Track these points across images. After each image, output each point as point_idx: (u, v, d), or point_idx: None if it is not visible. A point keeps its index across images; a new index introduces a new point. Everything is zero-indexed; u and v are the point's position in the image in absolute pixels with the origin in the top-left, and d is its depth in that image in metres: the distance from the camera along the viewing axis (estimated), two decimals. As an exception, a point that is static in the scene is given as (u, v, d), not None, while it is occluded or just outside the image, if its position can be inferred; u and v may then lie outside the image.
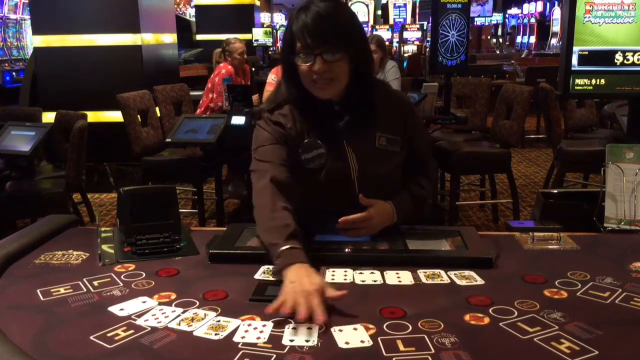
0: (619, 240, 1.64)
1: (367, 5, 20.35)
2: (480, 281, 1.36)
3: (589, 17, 2.54)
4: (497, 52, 18.30)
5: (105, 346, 1.07)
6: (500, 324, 1.15)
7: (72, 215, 2.10)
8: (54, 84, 5.55)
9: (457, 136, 4.96)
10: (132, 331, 1.13)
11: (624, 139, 2.95)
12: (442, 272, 1.41)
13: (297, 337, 1.10)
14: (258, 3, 12.42)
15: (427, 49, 12.23)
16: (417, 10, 20.90)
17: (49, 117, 4.96)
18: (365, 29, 17.29)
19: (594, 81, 2.58)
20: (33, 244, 1.59)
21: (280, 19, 22.87)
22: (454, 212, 4.31)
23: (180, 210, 1.76)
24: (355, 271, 1.41)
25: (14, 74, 9.53)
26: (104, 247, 1.58)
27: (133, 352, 1.06)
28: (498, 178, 4.84)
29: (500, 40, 21.21)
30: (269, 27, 12.72)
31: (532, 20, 20.09)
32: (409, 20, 19.92)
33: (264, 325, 1.13)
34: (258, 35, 11.01)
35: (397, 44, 16.14)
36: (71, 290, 1.33)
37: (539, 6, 19.70)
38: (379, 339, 1.09)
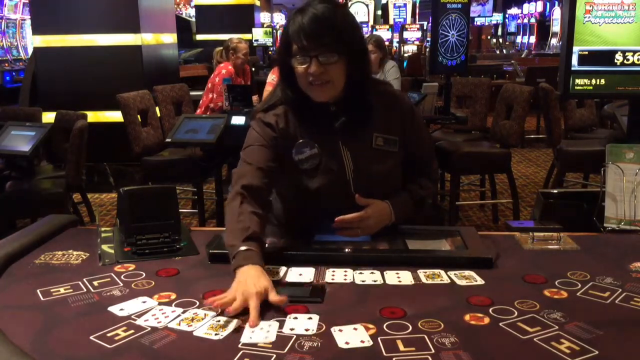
0: (619, 240, 1.64)
1: (367, 5, 20.34)
2: (480, 281, 1.36)
3: (589, 17, 2.54)
4: (497, 52, 18.29)
5: (105, 346, 1.07)
6: (500, 324, 1.15)
7: (72, 215, 2.10)
8: (54, 84, 5.55)
9: (457, 136, 4.96)
10: (132, 331, 1.13)
11: (624, 139, 2.94)
12: (442, 272, 1.41)
13: (297, 326, 1.14)
14: (258, 3, 12.42)
15: (427, 49, 12.23)
16: (417, 10, 20.89)
17: (49, 117, 4.96)
18: (365, 29, 17.30)
19: (594, 81, 2.58)
20: (33, 244, 1.59)
21: (280, 19, 22.86)
22: (454, 212, 4.31)
23: (180, 210, 1.76)
24: (355, 271, 1.41)
25: (14, 74, 9.54)
26: (104, 247, 1.58)
27: (133, 352, 1.06)
28: (498, 178, 4.84)
29: (500, 40, 21.20)
30: (269, 27, 12.72)
31: (532, 20, 20.08)
32: (409, 20, 19.91)
33: (270, 326, 1.13)
34: (258, 35, 11.01)
35: (397, 44, 16.12)
36: (71, 290, 1.33)
37: (539, 6, 19.69)
38: (379, 339, 1.09)
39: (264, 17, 15.78)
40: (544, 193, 2.14)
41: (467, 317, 1.17)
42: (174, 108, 4.87)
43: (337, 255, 1.51)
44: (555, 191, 2.24)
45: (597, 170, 2.09)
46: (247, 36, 9.84)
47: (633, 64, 2.53)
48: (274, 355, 1.03)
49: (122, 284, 1.37)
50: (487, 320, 1.16)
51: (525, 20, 20.74)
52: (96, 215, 1.75)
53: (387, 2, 20.97)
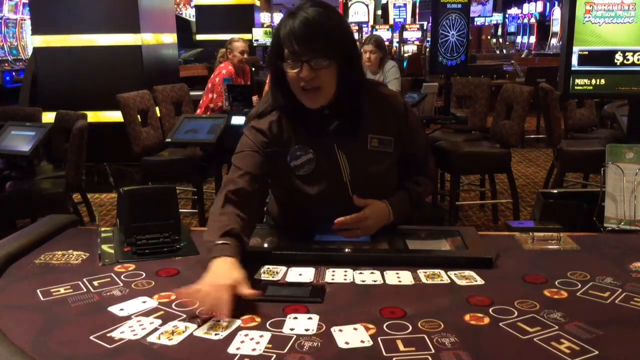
0: (619, 240, 1.64)
1: (367, 5, 20.32)
2: (480, 281, 1.36)
3: (589, 17, 2.54)
4: (497, 52, 18.29)
5: (105, 346, 1.07)
6: (500, 324, 1.15)
7: (72, 215, 2.10)
8: (54, 84, 5.55)
9: (457, 136, 4.96)
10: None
11: (624, 139, 2.95)
12: (442, 272, 1.41)
13: (297, 326, 1.14)
14: (258, 3, 12.41)
15: (427, 49, 12.23)
16: (417, 10, 20.88)
17: (49, 117, 4.96)
18: (365, 29, 17.28)
19: (594, 81, 2.58)
20: (33, 244, 1.59)
21: (280, 19, 22.80)
22: (454, 212, 4.31)
23: (180, 210, 1.76)
24: (355, 271, 1.41)
25: (14, 74, 9.54)
26: (104, 247, 1.58)
27: (133, 352, 1.06)
28: (498, 178, 4.84)
29: (500, 40, 21.20)
30: (269, 27, 12.71)
31: (532, 20, 20.08)
32: (409, 20, 19.91)
33: (261, 336, 1.10)
34: (258, 35, 11.00)
35: (397, 44, 16.12)
36: (71, 290, 1.33)
37: (539, 6, 19.69)
38: (379, 339, 1.09)
39: (264, 17, 15.78)
40: (544, 193, 2.14)
41: (467, 317, 1.17)
42: (174, 108, 4.87)
43: (337, 255, 1.51)
44: (555, 191, 2.24)
45: (597, 170, 2.09)
46: (247, 36, 9.84)
47: (633, 64, 2.53)
48: (274, 355, 1.04)
49: (122, 284, 1.36)
50: (487, 320, 1.17)
51: (525, 20, 20.73)
52: (96, 215, 1.75)
53: (387, 2, 20.96)
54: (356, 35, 15.47)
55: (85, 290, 1.33)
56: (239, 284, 1.23)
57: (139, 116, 4.33)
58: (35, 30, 5.63)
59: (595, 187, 3.04)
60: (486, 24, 22.14)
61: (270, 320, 1.17)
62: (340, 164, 1.60)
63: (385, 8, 21.46)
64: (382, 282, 1.37)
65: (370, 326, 1.13)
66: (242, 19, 11.16)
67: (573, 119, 4.76)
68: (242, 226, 1.44)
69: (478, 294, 1.29)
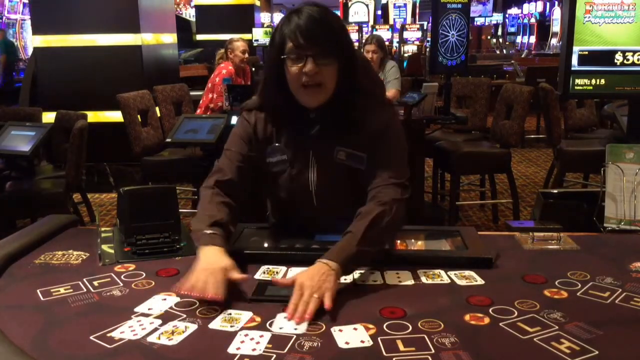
0: (619, 240, 1.64)
1: (367, 5, 20.32)
2: (480, 281, 1.36)
3: (589, 17, 2.54)
4: (497, 52, 18.29)
5: (105, 346, 1.07)
6: (500, 324, 1.15)
7: (72, 215, 2.10)
8: (54, 84, 5.56)
9: (457, 136, 4.96)
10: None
11: (624, 139, 2.95)
12: (442, 272, 1.41)
13: (286, 325, 1.15)
14: (258, 3, 12.42)
15: (427, 49, 12.23)
16: (417, 10, 20.87)
17: (49, 117, 4.96)
18: (365, 29, 17.27)
19: (594, 81, 2.58)
20: (33, 244, 1.59)
21: (280, 19, 22.79)
22: (454, 212, 4.31)
23: (180, 210, 1.76)
24: (355, 271, 1.41)
25: (14, 74, 9.53)
26: (104, 247, 1.58)
27: (133, 352, 1.06)
28: (498, 178, 4.84)
29: (500, 40, 21.19)
30: (269, 27, 12.72)
31: (532, 20, 20.08)
32: (409, 20, 19.90)
33: (261, 336, 1.10)
34: (258, 35, 11.00)
35: (397, 44, 16.12)
36: (71, 290, 1.33)
37: (539, 6, 19.69)
38: (379, 339, 1.09)
39: (264, 17, 15.78)
40: (544, 193, 2.14)
41: (467, 317, 1.17)
42: (174, 108, 4.88)
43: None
44: (555, 191, 2.24)
45: (597, 170, 2.09)
46: (247, 36, 9.84)
47: (633, 64, 2.53)
48: (274, 355, 1.04)
49: (122, 284, 1.36)
50: (487, 320, 1.17)
51: (525, 20, 20.73)
52: (96, 215, 1.75)
53: (387, 2, 20.95)
54: (356, 35, 15.46)
55: (85, 290, 1.33)
56: (230, 269, 1.29)
57: (139, 116, 4.33)
58: (35, 30, 5.63)
59: (595, 187, 3.04)
60: (486, 24, 22.13)
61: (270, 320, 1.17)
62: (310, 174, 1.60)
63: (385, 8, 21.45)
64: (382, 282, 1.37)
65: (370, 326, 1.14)
66: (242, 19, 11.17)
67: (573, 119, 4.76)
68: (229, 215, 1.50)
69: (478, 294, 1.29)
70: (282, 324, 1.16)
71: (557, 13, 17.43)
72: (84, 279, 1.39)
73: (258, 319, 1.18)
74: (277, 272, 1.42)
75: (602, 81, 2.57)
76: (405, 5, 20.26)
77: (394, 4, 20.34)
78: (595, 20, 2.53)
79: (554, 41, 17.24)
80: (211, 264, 1.30)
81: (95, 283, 1.37)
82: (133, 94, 4.35)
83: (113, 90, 4.46)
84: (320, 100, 1.52)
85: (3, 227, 3.46)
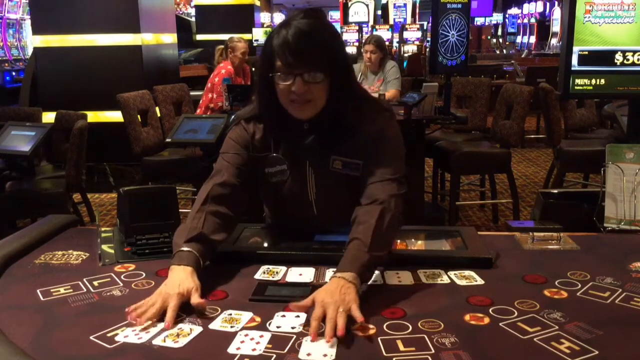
0: (619, 240, 1.64)
1: (367, 5, 20.31)
2: (480, 281, 1.36)
3: (589, 17, 2.54)
4: (497, 52, 18.28)
5: (105, 346, 1.07)
6: (500, 324, 1.15)
7: (72, 215, 2.10)
8: (54, 84, 5.56)
9: (457, 136, 4.96)
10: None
11: (624, 139, 2.95)
12: (442, 272, 1.41)
13: (284, 324, 1.14)
14: (258, 3, 12.42)
15: (427, 49, 12.22)
16: (417, 10, 20.85)
17: (49, 117, 4.96)
18: (365, 29, 17.25)
19: (594, 81, 2.58)
20: (33, 244, 1.59)
21: (280, 19, 22.85)
22: (454, 212, 4.31)
23: (180, 210, 1.77)
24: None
25: (14, 74, 9.52)
26: (104, 247, 1.58)
27: (133, 352, 1.06)
28: (498, 178, 4.84)
29: (500, 40, 21.18)
30: (269, 27, 12.72)
31: (532, 20, 20.07)
32: (409, 20, 19.87)
33: (261, 336, 1.10)
34: (258, 35, 11.00)
35: (397, 44, 16.11)
36: (71, 290, 1.33)
37: (539, 6, 19.68)
38: (379, 339, 1.09)
39: (264, 17, 15.78)
40: (544, 193, 2.14)
41: (467, 317, 1.17)
42: (174, 108, 4.87)
43: (337, 255, 1.50)
44: (555, 191, 2.24)
45: (597, 170, 2.09)
46: (247, 36, 9.83)
47: (633, 64, 2.53)
48: (274, 355, 1.04)
49: (122, 284, 1.37)
50: (487, 320, 1.17)
51: (525, 20, 20.72)
52: (96, 215, 1.75)
53: (387, 2, 20.94)
54: (356, 36, 15.45)
55: (85, 290, 1.33)
56: (191, 292, 1.23)
57: (139, 116, 4.33)
58: (35, 30, 5.63)
59: (595, 187, 3.04)
60: (486, 24, 22.12)
61: (270, 320, 1.17)
62: (308, 184, 1.60)
63: (385, 8, 21.43)
64: (382, 282, 1.37)
65: (370, 326, 1.14)
66: (242, 19, 11.17)
67: (573, 119, 4.76)
68: (216, 224, 1.44)
69: (478, 294, 1.29)
70: (281, 322, 1.15)
71: (557, 13, 17.43)
72: (84, 279, 1.39)
73: (258, 319, 1.18)
74: (277, 272, 1.42)
75: (602, 81, 2.57)
76: (405, 5, 20.24)
77: (394, 4, 20.32)
78: (595, 20, 2.53)
79: (554, 41, 17.24)
80: (172, 287, 1.22)
81: (95, 283, 1.37)
82: (133, 94, 4.35)
83: (113, 90, 4.46)
84: (310, 114, 1.50)
85: (3, 227, 3.46)
